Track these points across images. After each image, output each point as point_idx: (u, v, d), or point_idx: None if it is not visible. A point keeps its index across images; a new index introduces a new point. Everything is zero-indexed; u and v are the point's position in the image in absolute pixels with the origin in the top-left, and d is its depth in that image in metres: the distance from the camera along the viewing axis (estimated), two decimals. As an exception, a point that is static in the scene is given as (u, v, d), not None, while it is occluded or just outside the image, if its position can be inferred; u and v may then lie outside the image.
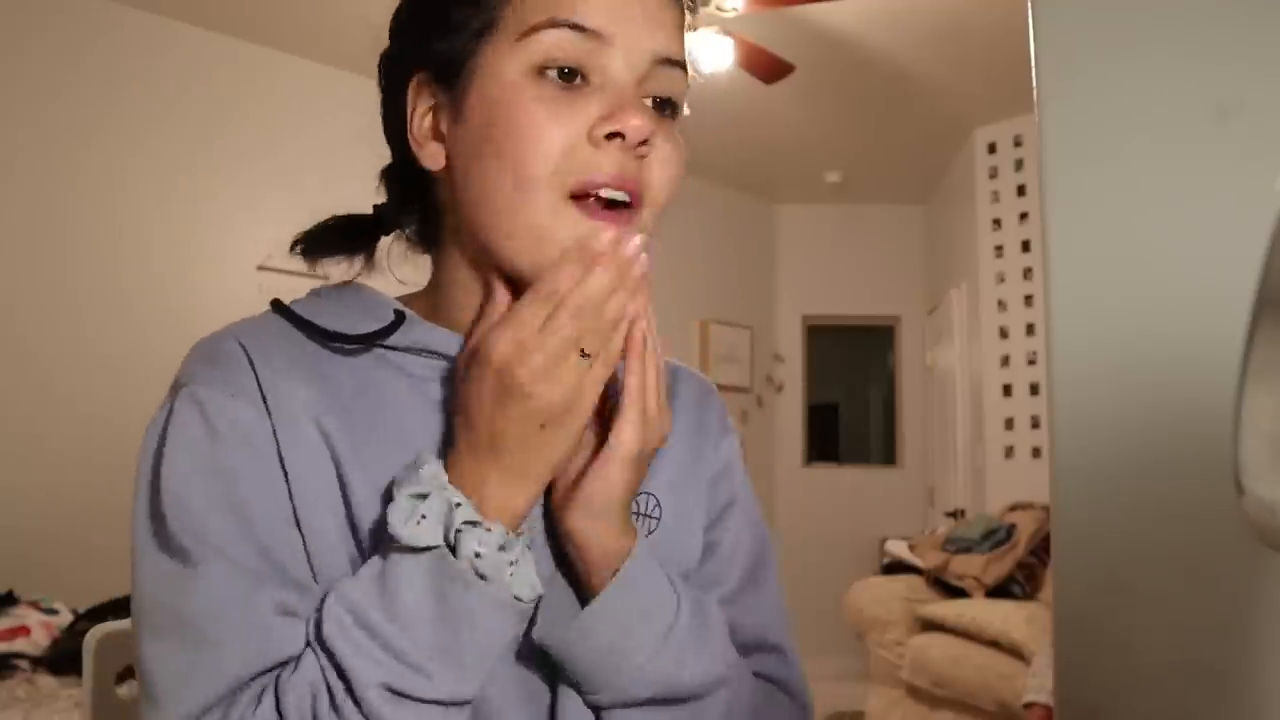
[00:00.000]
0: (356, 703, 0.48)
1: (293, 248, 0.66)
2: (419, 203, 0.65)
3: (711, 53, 3.03)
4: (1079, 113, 0.86)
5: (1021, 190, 4.26)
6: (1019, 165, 4.26)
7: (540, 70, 0.53)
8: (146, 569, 0.53)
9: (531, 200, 0.53)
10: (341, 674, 0.49)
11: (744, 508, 0.75)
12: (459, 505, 0.50)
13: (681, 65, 0.58)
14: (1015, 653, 2.97)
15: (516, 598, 0.51)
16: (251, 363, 0.57)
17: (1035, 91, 0.88)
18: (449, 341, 0.61)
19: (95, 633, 0.74)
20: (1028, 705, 2.46)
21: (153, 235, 3.34)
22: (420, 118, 0.60)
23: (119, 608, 2.68)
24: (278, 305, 0.62)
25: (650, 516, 0.66)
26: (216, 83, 3.52)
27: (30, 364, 3.05)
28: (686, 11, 0.60)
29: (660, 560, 0.62)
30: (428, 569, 0.50)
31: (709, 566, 0.71)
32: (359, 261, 0.66)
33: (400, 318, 0.61)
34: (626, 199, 0.55)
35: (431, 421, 0.60)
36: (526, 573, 0.52)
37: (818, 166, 5.02)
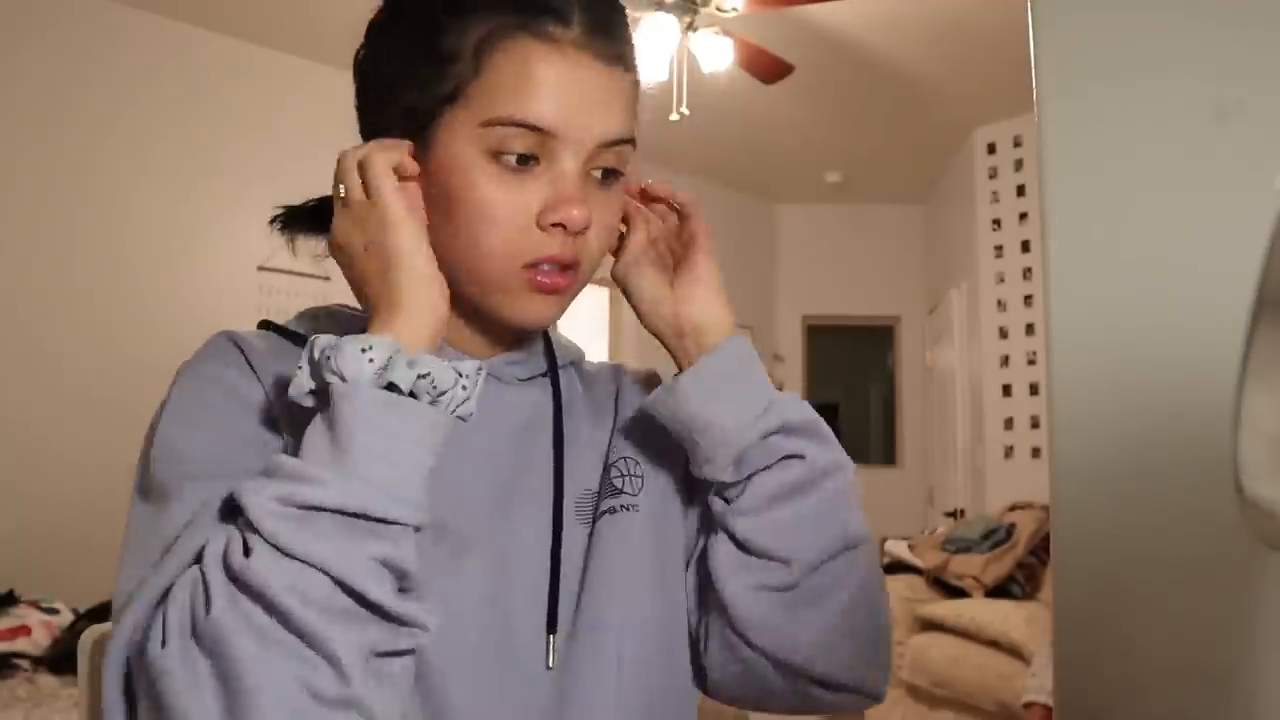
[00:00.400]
0: (256, 530, 0.48)
1: (272, 221, 0.72)
2: None
3: (711, 53, 3.03)
4: (1079, 113, 0.86)
5: (1021, 190, 4.26)
6: (1019, 165, 4.27)
7: (496, 154, 0.59)
8: (132, 515, 0.57)
9: (488, 268, 0.61)
10: (242, 511, 0.49)
11: None
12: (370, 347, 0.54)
13: (628, 140, 0.63)
14: (1015, 653, 2.97)
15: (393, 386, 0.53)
16: (243, 351, 0.62)
17: (1035, 91, 0.88)
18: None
19: (91, 633, 0.73)
20: (1027, 705, 2.46)
21: (154, 236, 3.34)
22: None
23: (119, 607, 2.68)
24: (267, 324, 0.67)
25: (630, 476, 0.71)
26: (217, 83, 3.52)
27: (32, 364, 3.05)
28: (630, 71, 0.64)
29: (649, 511, 0.69)
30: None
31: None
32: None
33: None
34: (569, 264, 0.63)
35: None
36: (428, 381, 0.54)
37: (818, 166, 5.02)
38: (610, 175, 0.63)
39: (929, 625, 3.46)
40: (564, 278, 0.62)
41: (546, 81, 0.58)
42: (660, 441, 0.72)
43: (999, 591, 3.43)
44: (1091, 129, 0.85)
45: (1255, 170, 0.77)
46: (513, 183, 0.60)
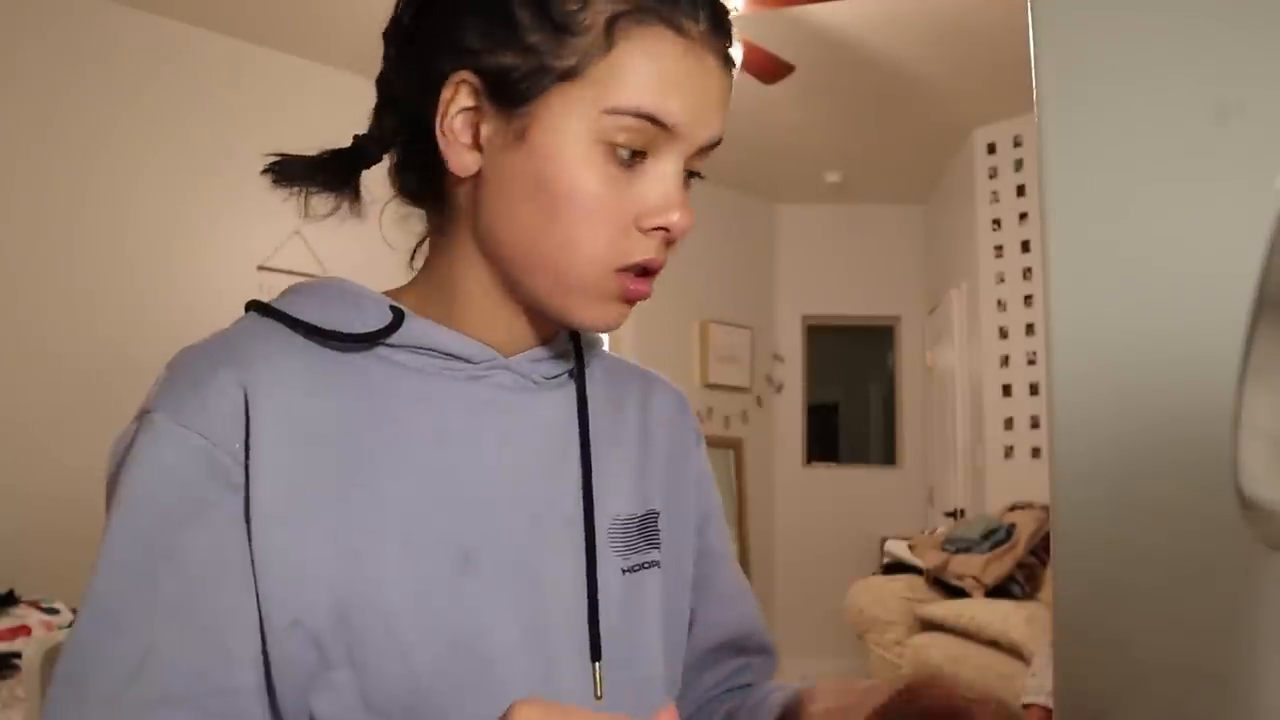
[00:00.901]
0: None
1: (265, 170, 0.65)
2: (420, 158, 0.61)
3: (711, 53, 3.02)
4: (1079, 113, 0.86)
5: (1021, 190, 4.26)
6: (1019, 165, 4.26)
7: (610, 145, 0.55)
8: (96, 584, 0.52)
9: (582, 271, 0.56)
10: None
11: (721, 513, 0.79)
12: None
13: (720, 142, 0.60)
14: (1015, 653, 2.97)
15: None
16: (248, 403, 0.54)
17: (1035, 91, 0.88)
18: (454, 340, 0.60)
19: (39, 645, 0.72)
20: (1026, 706, 2.46)
21: (153, 235, 3.34)
22: (454, 117, 0.57)
23: (119, 607, 2.68)
24: (261, 307, 0.60)
25: (660, 530, 0.68)
26: (218, 83, 3.52)
27: (32, 364, 3.05)
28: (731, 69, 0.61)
29: (667, 568, 0.66)
30: None
31: (703, 567, 0.74)
32: (344, 200, 0.64)
33: (399, 315, 0.59)
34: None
35: (441, 421, 0.59)
36: None
37: (818, 166, 5.02)
38: (693, 177, 0.61)
39: (929, 625, 3.47)
40: (648, 284, 0.59)
41: (679, 77, 0.54)
42: (681, 493, 0.72)
43: (999, 591, 3.44)
44: (1091, 129, 0.85)
45: (1255, 170, 0.77)
46: (621, 180, 0.55)
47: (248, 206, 3.47)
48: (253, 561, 0.52)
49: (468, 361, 0.60)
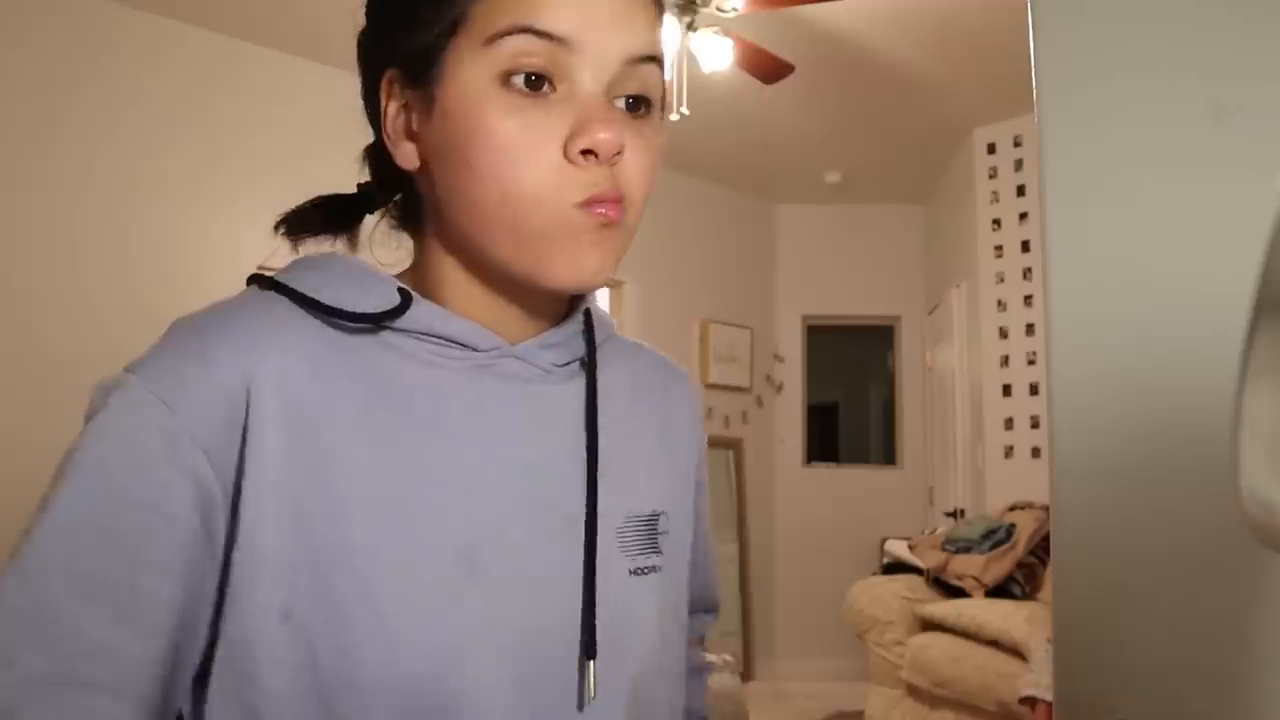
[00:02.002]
0: None
1: (277, 228, 0.64)
2: (398, 186, 0.64)
3: (711, 53, 3.03)
4: (1079, 113, 0.86)
5: (1021, 190, 4.26)
6: (1019, 165, 4.26)
7: (506, 77, 0.52)
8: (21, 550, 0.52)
9: (521, 210, 0.53)
10: None
11: (705, 486, 0.80)
12: None
13: (654, 59, 0.55)
14: (1015, 652, 2.97)
15: None
16: (249, 395, 0.52)
17: (1035, 91, 0.88)
18: (460, 326, 0.58)
19: None
20: (1024, 700, 2.46)
21: (152, 235, 3.34)
22: (393, 116, 0.58)
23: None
24: (267, 280, 0.58)
25: (666, 534, 0.67)
26: (217, 83, 3.52)
27: (32, 364, 3.05)
28: (656, 5, 0.57)
29: (667, 568, 0.66)
30: None
31: (695, 528, 0.76)
32: (341, 242, 0.65)
33: (406, 297, 0.57)
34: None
35: (444, 412, 0.57)
36: None
37: (818, 166, 5.02)
38: (639, 104, 0.56)
39: (929, 625, 3.47)
40: (615, 210, 0.54)
41: None
42: (686, 487, 0.71)
43: (999, 591, 3.44)
44: (1091, 129, 0.85)
45: (1254, 170, 0.77)
46: (529, 110, 0.52)
47: (247, 206, 3.47)
48: (232, 552, 0.51)
49: (473, 349, 0.58)
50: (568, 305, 0.65)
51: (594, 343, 0.65)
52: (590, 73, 0.53)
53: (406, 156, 0.58)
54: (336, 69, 3.70)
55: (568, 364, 0.63)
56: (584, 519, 0.60)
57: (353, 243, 0.65)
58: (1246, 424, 0.38)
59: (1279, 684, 0.73)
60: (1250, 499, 0.38)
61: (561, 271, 0.54)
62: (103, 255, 3.24)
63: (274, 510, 0.51)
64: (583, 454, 0.61)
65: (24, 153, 3.10)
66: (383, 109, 0.58)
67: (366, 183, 0.65)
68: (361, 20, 0.62)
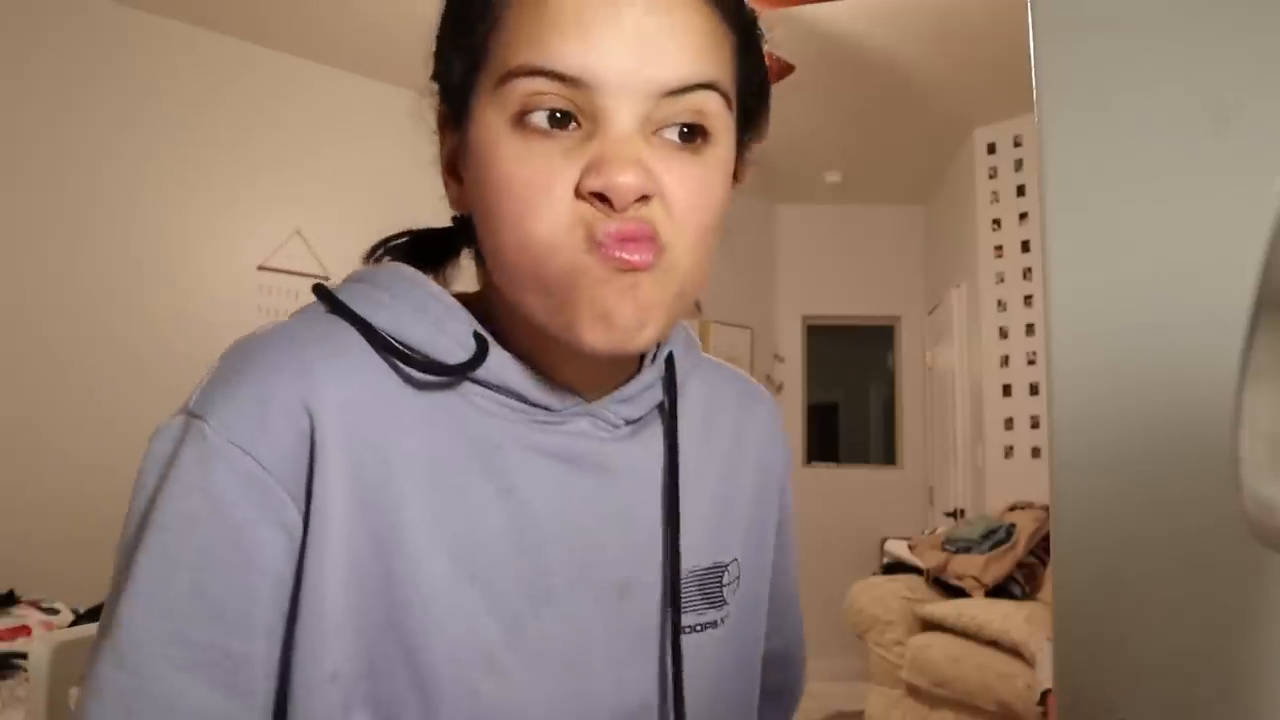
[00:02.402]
0: None
1: (367, 259, 0.58)
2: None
3: (711, 53, 3.02)
4: (1079, 113, 0.87)
5: (1021, 190, 4.26)
6: (1019, 165, 4.26)
7: (520, 118, 0.47)
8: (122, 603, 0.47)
9: (539, 256, 0.47)
10: None
11: (793, 523, 0.76)
12: None
13: (707, 85, 0.49)
14: (1015, 652, 2.97)
15: None
16: (313, 431, 0.47)
17: (1035, 91, 0.88)
18: (533, 386, 0.53)
19: (45, 641, 0.71)
20: (1047, 693, 2.45)
21: (153, 235, 3.34)
22: (446, 156, 0.55)
23: (119, 607, 2.68)
24: (332, 301, 0.52)
25: (732, 584, 0.63)
26: (217, 83, 3.52)
27: (33, 364, 3.05)
28: (719, 18, 0.50)
29: (736, 621, 0.62)
30: None
31: (777, 564, 0.72)
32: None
33: (482, 344, 0.52)
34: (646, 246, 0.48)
35: (508, 474, 0.53)
36: None
37: (818, 166, 5.02)
38: (694, 135, 0.49)
39: (929, 625, 3.47)
40: (632, 252, 0.46)
41: (570, 15, 0.46)
42: (763, 537, 0.67)
43: (999, 591, 3.44)
44: (1091, 129, 0.85)
45: (1255, 171, 0.77)
46: (540, 150, 0.46)
47: (248, 206, 3.47)
48: (298, 607, 0.48)
49: (546, 409, 0.54)
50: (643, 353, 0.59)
51: (675, 397, 0.59)
52: (618, 109, 0.47)
53: (454, 199, 0.55)
54: (339, 70, 3.70)
55: (642, 417, 0.58)
56: (655, 583, 0.57)
57: (442, 277, 0.60)
58: (1246, 423, 0.38)
59: (1279, 682, 0.73)
60: (1250, 498, 0.38)
61: (590, 328, 0.47)
62: (104, 255, 3.24)
63: (334, 565, 0.48)
64: (653, 514, 0.57)
65: (34, 153, 3.10)
66: (440, 150, 0.55)
67: (460, 215, 0.59)
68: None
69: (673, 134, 0.49)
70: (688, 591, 0.58)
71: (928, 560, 3.72)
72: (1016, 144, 4.27)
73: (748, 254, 5.45)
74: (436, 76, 0.54)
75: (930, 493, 5.16)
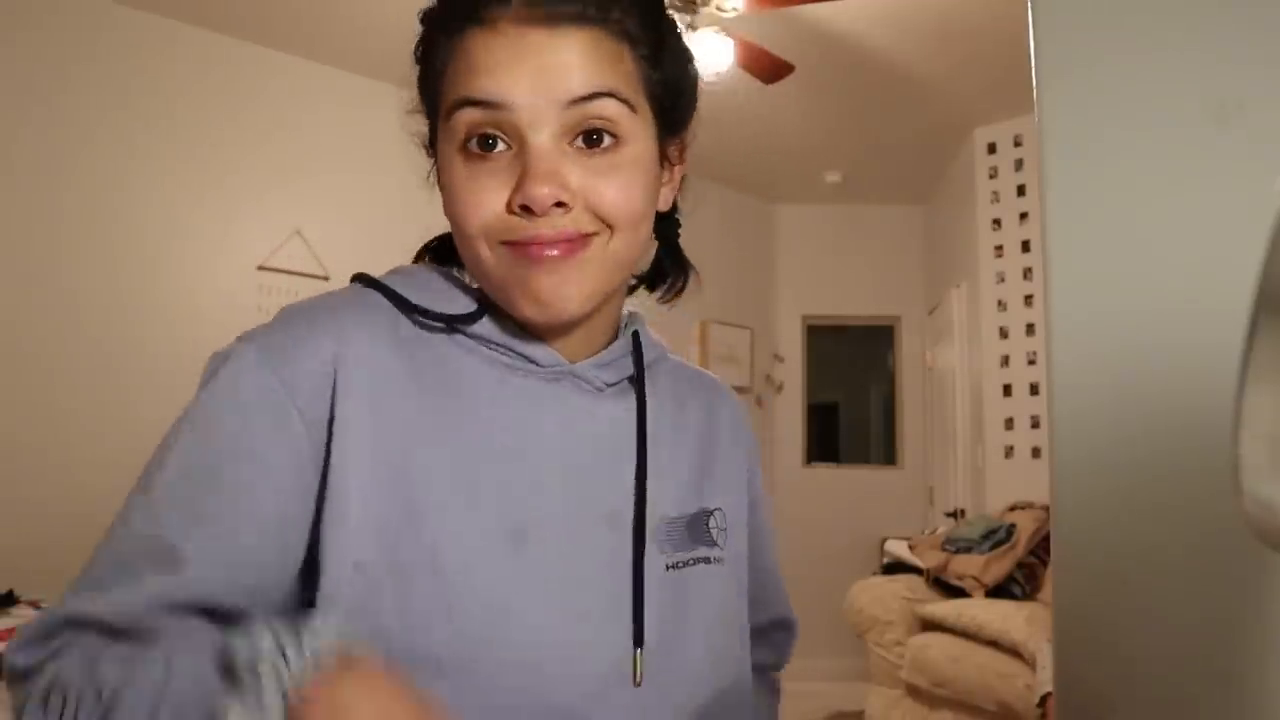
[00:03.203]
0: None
1: (418, 258, 0.72)
2: None
3: (711, 53, 3.03)
4: (1079, 113, 0.86)
5: (1021, 190, 4.26)
6: (1019, 165, 4.26)
7: (464, 145, 0.60)
8: (128, 500, 0.58)
9: (473, 250, 0.61)
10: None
11: (766, 500, 0.85)
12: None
13: (603, 94, 0.59)
14: (1015, 652, 2.97)
15: None
16: (336, 373, 0.59)
17: (1035, 91, 0.88)
18: (525, 344, 0.64)
19: None
20: (1046, 696, 2.45)
21: (153, 236, 3.34)
22: (431, 172, 0.67)
23: (119, 607, 2.68)
24: (370, 280, 0.66)
25: (722, 529, 0.72)
26: (216, 83, 3.52)
27: (32, 364, 3.05)
28: (596, 25, 0.60)
29: (728, 564, 0.71)
30: None
31: (753, 543, 0.79)
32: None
33: (483, 308, 0.65)
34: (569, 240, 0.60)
35: (506, 408, 0.63)
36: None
37: (818, 166, 5.02)
38: (599, 138, 0.60)
39: (929, 625, 3.47)
40: (558, 247, 0.60)
41: (486, 59, 0.58)
42: (740, 495, 0.77)
43: (999, 591, 3.44)
44: (1092, 129, 0.85)
45: (1255, 170, 0.77)
46: (479, 170, 0.60)
47: (248, 207, 3.47)
48: (322, 508, 0.57)
49: (536, 365, 0.65)
50: (616, 329, 0.71)
51: (642, 363, 0.71)
52: (533, 127, 0.58)
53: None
54: (338, 71, 3.70)
55: (617, 383, 0.69)
56: (629, 517, 0.65)
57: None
58: (1246, 424, 0.38)
59: (1279, 682, 0.73)
60: (1251, 499, 0.38)
61: (524, 304, 0.61)
62: (104, 256, 3.24)
63: (355, 475, 0.57)
64: (628, 458, 0.67)
65: (34, 153, 3.10)
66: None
67: None
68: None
69: (581, 141, 0.60)
70: (673, 534, 0.69)
71: (928, 560, 3.72)
72: (1017, 144, 4.27)
73: (748, 254, 5.45)
74: (421, 112, 0.67)
75: (930, 493, 5.16)
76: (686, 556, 0.69)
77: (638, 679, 0.61)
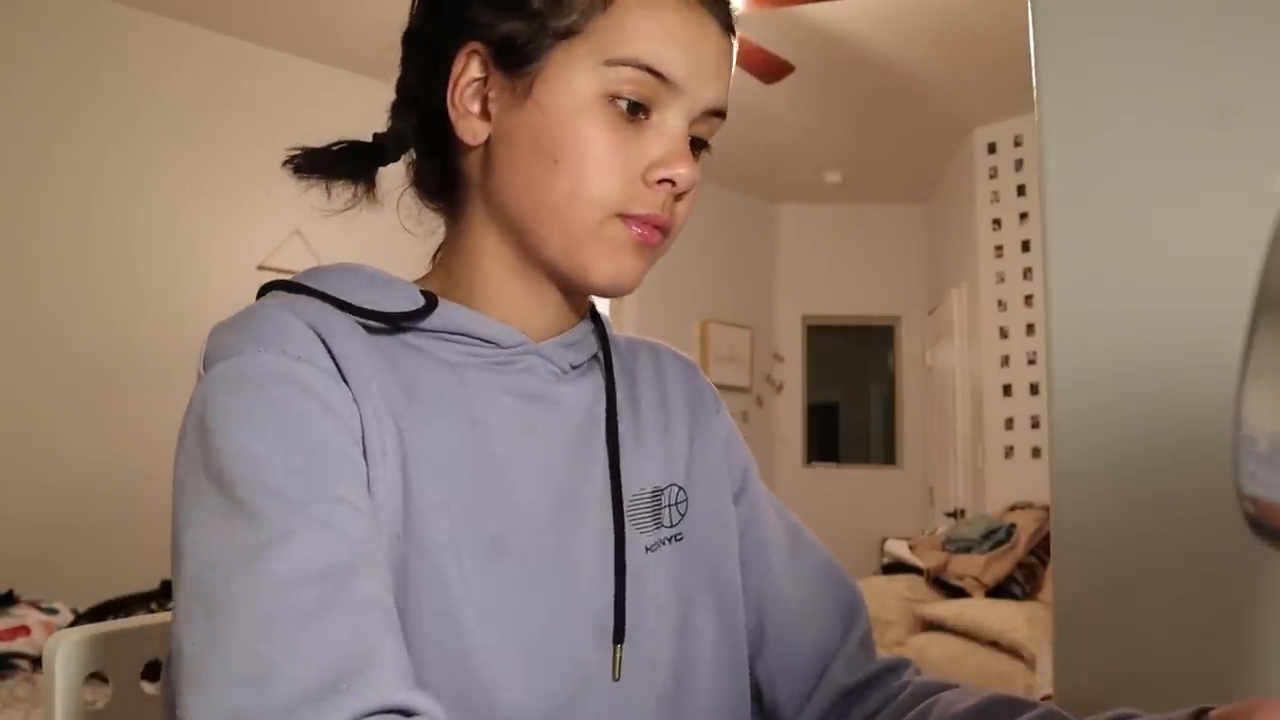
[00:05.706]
0: None
1: (287, 162, 0.64)
2: (434, 153, 0.64)
3: (711, 53, 3.03)
4: (1079, 113, 0.86)
5: (1021, 190, 4.26)
6: (1019, 165, 4.27)
7: (612, 97, 0.56)
8: (200, 535, 0.47)
9: (583, 210, 0.57)
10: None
11: (756, 470, 0.78)
12: None
13: (724, 114, 0.62)
14: (1015, 653, 2.97)
15: None
16: (321, 336, 0.53)
17: (1035, 91, 0.88)
18: (485, 323, 0.60)
19: (59, 639, 0.70)
20: (1045, 699, 2.45)
21: (152, 236, 3.34)
22: (464, 87, 0.59)
23: (119, 607, 2.68)
24: (287, 285, 0.59)
25: (676, 505, 0.68)
26: (217, 82, 3.52)
27: (32, 362, 3.05)
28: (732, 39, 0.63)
29: (700, 540, 0.67)
30: None
31: (757, 531, 0.74)
32: (360, 189, 0.65)
33: (431, 299, 0.59)
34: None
35: (468, 408, 0.58)
36: None
37: (818, 166, 5.02)
38: (701, 146, 0.62)
39: (929, 625, 3.47)
40: (658, 236, 0.60)
41: (677, 32, 0.57)
42: (710, 462, 0.72)
43: (999, 591, 3.44)
44: (1091, 129, 0.85)
45: (1255, 171, 0.77)
46: (625, 132, 0.57)
47: (248, 207, 3.47)
48: (369, 481, 0.53)
49: (498, 346, 0.61)
50: (583, 312, 0.67)
51: (607, 340, 0.69)
52: (683, 113, 0.58)
53: (472, 131, 0.59)
54: (337, 70, 3.70)
55: (582, 364, 0.66)
56: (607, 502, 0.63)
57: (369, 195, 0.65)
58: (1246, 424, 0.38)
59: (1278, 682, 0.73)
60: (1250, 499, 0.38)
61: (604, 273, 0.59)
62: (105, 253, 3.24)
63: (371, 450, 0.53)
64: (598, 441, 0.65)
65: (35, 152, 3.11)
66: (454, 76, 0.59)
67: (383, 134, 0.65)
68: (390, 37, 0.64)
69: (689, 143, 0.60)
70: (649, 509, 0.66)
71: (928, 560, 3.72)
72: (1017, 144, 4.27)
73: (748, 254, 5.46)
74: (473, 11, 0.59)
75: (930, 493, 5.16)
76: (660, 537, 0.66)
77: (617, 674, 0.60)
